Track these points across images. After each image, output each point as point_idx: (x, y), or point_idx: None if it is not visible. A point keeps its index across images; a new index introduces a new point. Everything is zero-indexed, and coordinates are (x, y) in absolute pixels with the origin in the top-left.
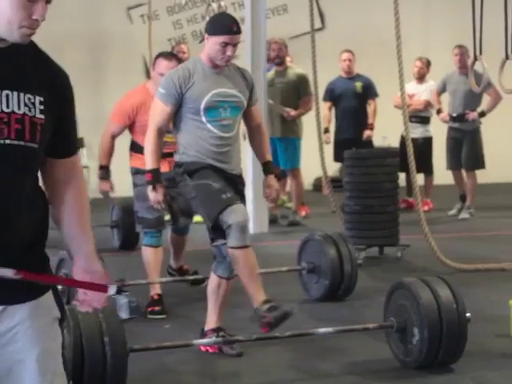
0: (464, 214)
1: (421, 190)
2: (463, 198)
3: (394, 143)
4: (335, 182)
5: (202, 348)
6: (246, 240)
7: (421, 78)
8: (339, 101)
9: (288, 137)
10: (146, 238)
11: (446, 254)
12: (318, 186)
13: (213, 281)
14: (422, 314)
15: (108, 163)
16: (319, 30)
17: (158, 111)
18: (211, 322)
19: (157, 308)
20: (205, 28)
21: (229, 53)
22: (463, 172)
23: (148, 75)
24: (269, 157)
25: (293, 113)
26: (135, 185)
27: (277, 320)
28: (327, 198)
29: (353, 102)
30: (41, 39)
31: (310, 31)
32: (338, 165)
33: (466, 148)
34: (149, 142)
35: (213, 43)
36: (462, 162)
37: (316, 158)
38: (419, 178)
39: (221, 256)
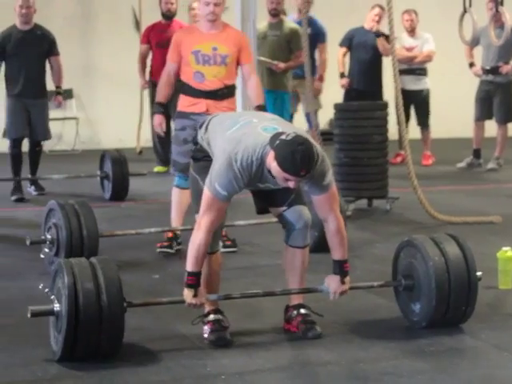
0: (492, 165)
1: (418, 145)
2: (477, 153)
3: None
4: (325, 135)
5: (286, 326)
6: (214, 247)
7: (413, 30)
8: (355, 51)
9: (277, 90)
10: (176, 179)
11: (436, 207)
12: None
13: (287, 252)
14: (430, 272)
15: None
16: None
17: (214, 208)
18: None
19: (166, 243)
20: (274, 144)
21: (291, 186)
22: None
23: (138, 26)
24: (338, 255)
25: (281, 65)
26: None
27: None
28: None
29: (368, 55)
30: None
31: None
32: (327, 117)
33: (499, 100)
34: (201, 244)
35: (278, 170)
36: (494, 114)
37: None
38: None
39: (287, 223)
